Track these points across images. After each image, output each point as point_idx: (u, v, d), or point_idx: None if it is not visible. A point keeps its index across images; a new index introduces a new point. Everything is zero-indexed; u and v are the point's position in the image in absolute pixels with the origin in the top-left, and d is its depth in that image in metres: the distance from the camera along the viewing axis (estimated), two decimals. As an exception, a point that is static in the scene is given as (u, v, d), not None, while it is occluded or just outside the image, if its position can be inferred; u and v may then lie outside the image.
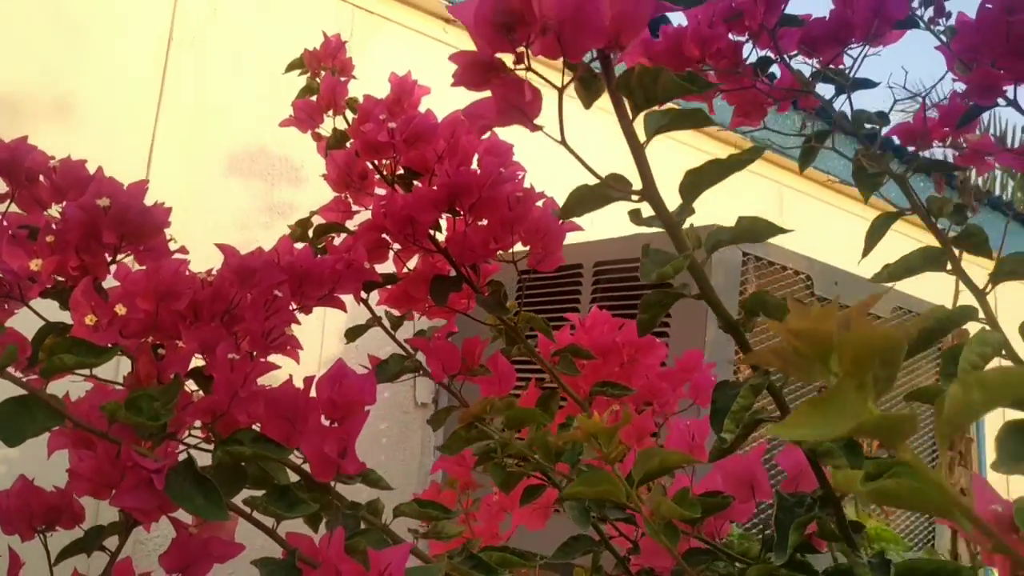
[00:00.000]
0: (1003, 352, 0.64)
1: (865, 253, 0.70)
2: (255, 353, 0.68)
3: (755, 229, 0.54)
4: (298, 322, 0.72)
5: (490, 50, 0.47)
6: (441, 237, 0.90)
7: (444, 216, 0.89)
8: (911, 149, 0.74)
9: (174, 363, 0.66)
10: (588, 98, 0.54)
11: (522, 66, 0.48)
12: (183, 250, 0.74)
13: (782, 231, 0.54)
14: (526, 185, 0.90)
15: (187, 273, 0.70)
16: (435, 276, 0.92)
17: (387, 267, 0.93)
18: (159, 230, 0.66)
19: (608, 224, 1.14)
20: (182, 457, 0.61)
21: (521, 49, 0.48)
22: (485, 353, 0.89)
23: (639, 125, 0.52)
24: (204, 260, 0.80)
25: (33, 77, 1.30)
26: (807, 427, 0.28)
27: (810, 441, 0.30)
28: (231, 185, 1.46)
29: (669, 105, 0.54)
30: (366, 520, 0.72)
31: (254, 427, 0.64)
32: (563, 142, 0.51)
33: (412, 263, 0.95)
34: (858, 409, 0.29)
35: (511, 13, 0.45)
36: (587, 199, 0.55)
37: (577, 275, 1.43)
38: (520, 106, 0.52)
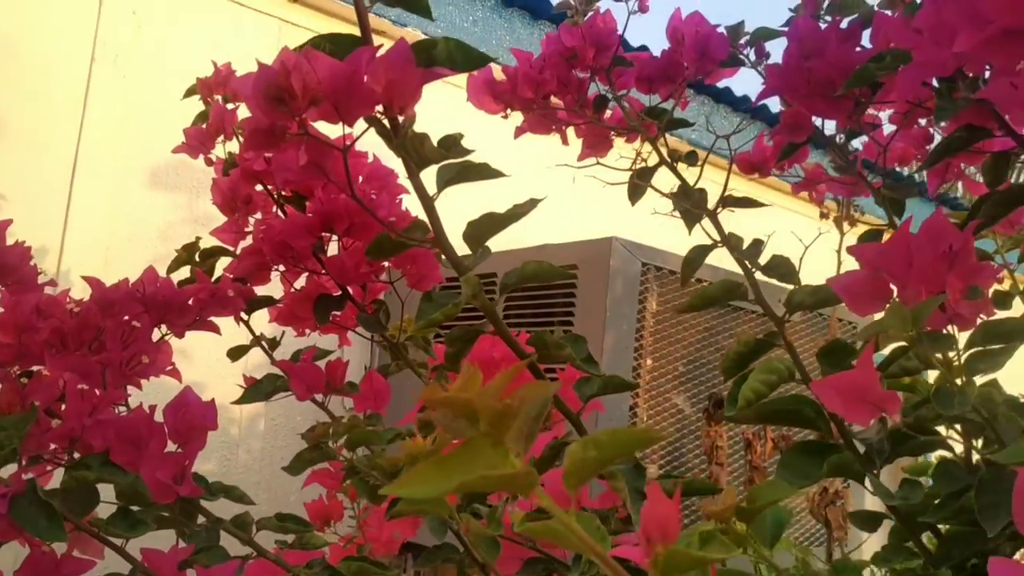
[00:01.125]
0: (796, 376, 0.70)
1: (684, 281, 0.75)
2: (108, 384, 0.72)
3: (539, 273, 0.59)
4: (156, 351, 0.76)
5: (268, 120, 0.52)
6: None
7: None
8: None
9: (36, 391, 0.71)
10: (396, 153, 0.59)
11: (302, 131, 0.53)
12: (52, 283, 0.79)
13: (561, 275, 0.59)
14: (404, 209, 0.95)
15: (65, 302, 0.75)
16: (319, 295, 0.97)
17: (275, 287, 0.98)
18: (16, 269, 0.71)
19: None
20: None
21: (298, 118, 0.52)
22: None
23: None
24: (128, 270, 0.84)
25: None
26: (423, 485, 0.33)
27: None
28: (155, 198, 1.50)
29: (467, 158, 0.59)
30: (232, 533, 0.77)
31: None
32: (353, 196, 0.56)
33: (300, 283, 1.00)
34: (494, 463, 0.34)
35: (280, 89, 0.50)
36: (387, 246, 0.60)
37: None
38: (318, 162, 0.57)
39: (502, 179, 0.57)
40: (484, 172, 0.57)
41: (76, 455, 0.70)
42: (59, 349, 0.74)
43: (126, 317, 0.74)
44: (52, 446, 0.70)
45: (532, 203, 0.57)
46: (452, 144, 0.54)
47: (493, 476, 0.34)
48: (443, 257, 0.71)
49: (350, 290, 0.98)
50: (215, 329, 0.87)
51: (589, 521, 0.41)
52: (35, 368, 0.76)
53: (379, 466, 0.73)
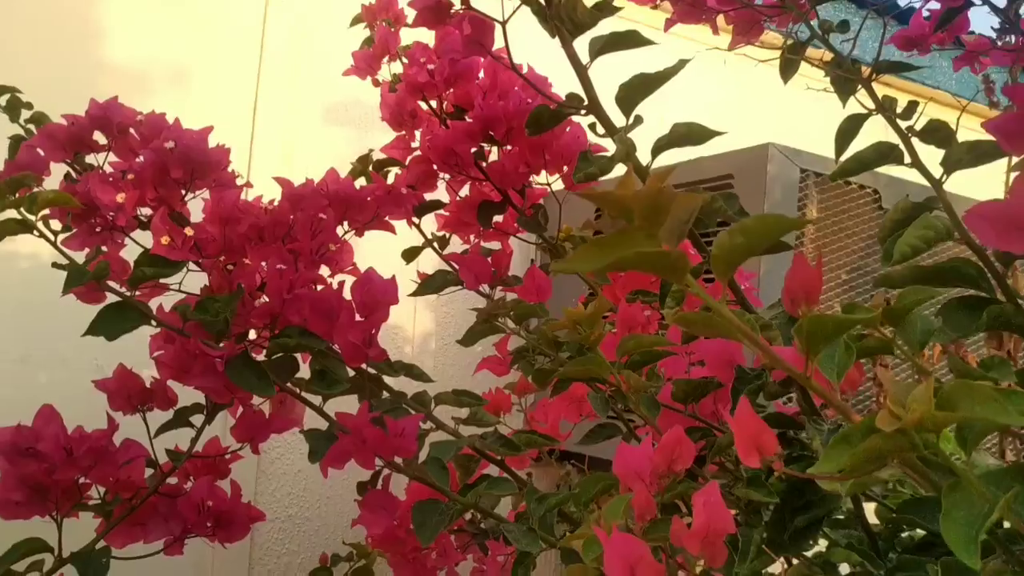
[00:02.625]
0: (955, 236, 0.70)
1: (838, 154, 0.76)
2: (302, 266, 0.81)
3: (690, 134, 0.62)
4: (340, 244, 0.83)
5: (435, -4, 0.57)
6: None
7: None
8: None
9: (240, 277, 0.80)
10: (548, 30, 0.64)
11: (464, 6, 0.58)
12: (248, 184, 0.88)
13: (716, 134, 0.62)
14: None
15: (256, 202, 0.84)
16: (482, 202, 1.03)
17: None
18: (219, 166, 0.80)
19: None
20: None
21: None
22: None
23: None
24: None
25: (150, 51, 1.47)
26: (584, 261, 0.38)
27: (593, 270, 0.38)
28: (329, 133, 1.61)
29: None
30: (412, 407, 0.85)
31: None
32: (512, 67, 0.60)
33: (464, 191, 1.06)
34: (640, 244, 0.38)
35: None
36: (544, 117, 0.64)
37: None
38: (478, 39, 0.61)
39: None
40: (633, 40, 0.61)
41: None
42: (257, 242, 0.83)
43: (313, 211, 0.82)
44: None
45: (682, 63, 0.59)
46: (604, 6, 0.57)
47: (648, 253, 0.38)
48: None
49: (510, 195, 1.04)
50: (391, 229, 0.94)
51: (741, 314, 0.44)
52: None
53: (543, 334, 0.78)
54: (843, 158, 0.73)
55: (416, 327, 1.60)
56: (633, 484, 0.55)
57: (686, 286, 0.40)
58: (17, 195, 0.73)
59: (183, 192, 0.80)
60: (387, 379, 0.84)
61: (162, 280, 0.81)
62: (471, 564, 1.35)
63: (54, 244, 0.75)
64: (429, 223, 1.06)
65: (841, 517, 0.79)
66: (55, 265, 0.75)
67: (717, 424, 0.82)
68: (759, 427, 0.39)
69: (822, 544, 0.74)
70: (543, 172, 1.02)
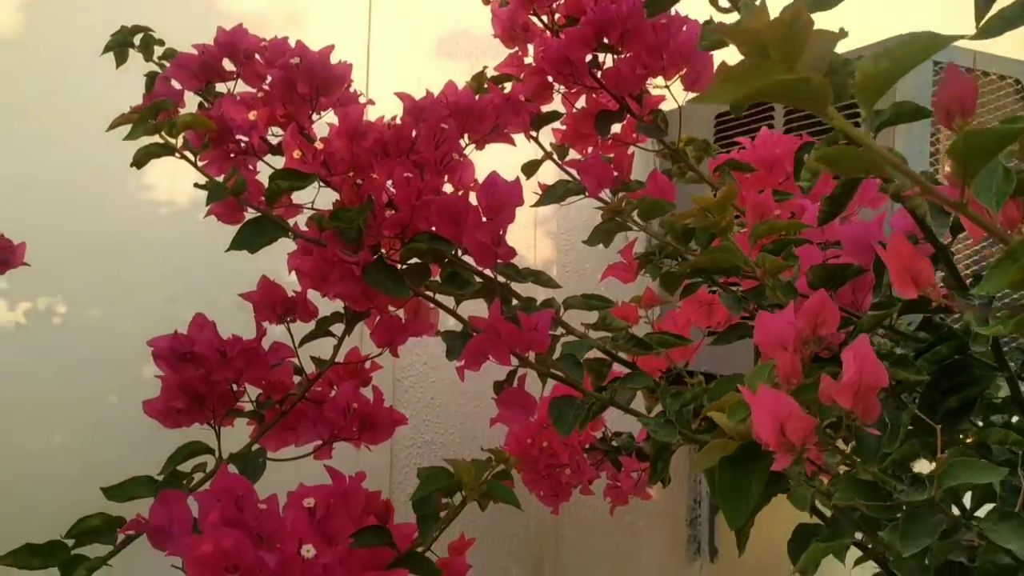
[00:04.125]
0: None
1: (978, 19, 0.71)
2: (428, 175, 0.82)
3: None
4: (462, 156, 0.84)
5: None
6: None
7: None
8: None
9: (369, 189, 0.82)
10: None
11: None
12: (370, 102, 0.89)
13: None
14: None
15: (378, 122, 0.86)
16: (599, 111, 1.02)
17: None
18: (342, 81, 0.81)
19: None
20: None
21: None
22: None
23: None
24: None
25: (267, -3, 1.51)
26: (722, 92, 0.37)
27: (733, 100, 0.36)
28: (440, 67, 1.62)
29: None
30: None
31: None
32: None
33: (581, 103, 1.05)
34: (776, 73, 0.36)
35: None
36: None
37: (768, 110, 1.46)
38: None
39: None
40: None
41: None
42: (382, 157, 0.85)
43: (435, 121, 0.83)
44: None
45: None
46: None
47: (788, 81, 0.37)
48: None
49: (628, 103, 1.02)
50: (510, 140, 0.94)
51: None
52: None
53: (671, 225, 0.77)
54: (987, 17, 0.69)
55: (538, 243, 1.60)
56: (776, 352, 0.54)
57: (828, 117, 0.38)
58: (157, 119, 0.77)
59: (310, 111, 0.82)
60: (515, 287, 0.85)
61: (295, 201, 0.85)
62: (604, 481, 1.37)
63: (194, 164, 0.79)
64: (546, 137, 1.06)
65: (997, 401, 0.76)
66: (196, 185, 0.79)
67: (856, 313, 0.80)
68: (913, 256, 0.37)
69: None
70: (660, 76, 1.00)
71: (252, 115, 0.77)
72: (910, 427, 0.67)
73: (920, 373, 0.65)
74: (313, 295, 0.84)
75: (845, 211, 0.67)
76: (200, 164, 0.80)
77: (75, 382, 1.31)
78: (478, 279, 0.80)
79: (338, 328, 0.84)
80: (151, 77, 0.91)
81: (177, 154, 0.77)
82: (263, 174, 0.84)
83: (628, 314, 1.11)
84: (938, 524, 0.52)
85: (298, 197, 0.83)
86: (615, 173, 0.92)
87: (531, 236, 1.63)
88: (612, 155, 0.99)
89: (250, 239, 0.76)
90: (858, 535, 0.90)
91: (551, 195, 0.95)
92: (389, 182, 0.82)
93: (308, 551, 0.53)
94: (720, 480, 0.54)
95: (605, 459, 1.33)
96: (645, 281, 1.05)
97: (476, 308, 0.82)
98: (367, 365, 0.86)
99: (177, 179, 1.38)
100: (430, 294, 0.78)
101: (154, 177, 1.40)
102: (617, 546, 1.62)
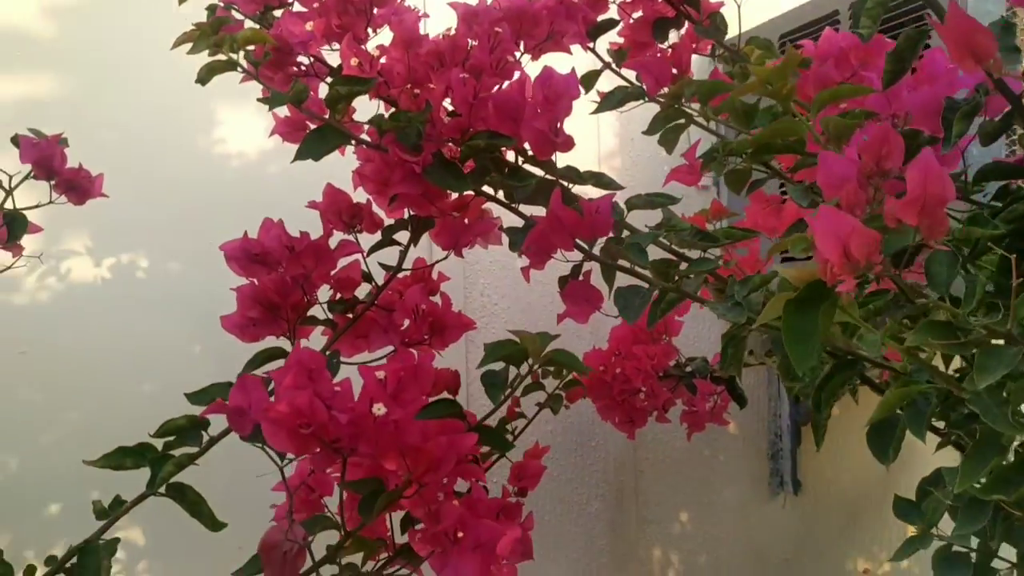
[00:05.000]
0: None
1: None
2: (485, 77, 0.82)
3: None
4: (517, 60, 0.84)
5: None
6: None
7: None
8: None
9: (428, 96, 0.83)
10: None
11: None
12: (425, 15, 0.90)
13: None
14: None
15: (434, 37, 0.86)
16: (656, 18, 1.01)
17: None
18: (392, -8, 0.82)
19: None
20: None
21: None
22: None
23: None
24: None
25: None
26: None
27: None
28: None
29: None
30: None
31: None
32: None
33: (638, 14, 1.04)
34: None
35: None
36: None
37: (835, 22, 1.42)
38: None
39: None
40: None
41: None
42: (438, 67, 0.85)
43: (489, 25, 0.83)
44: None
45: None
46: None
47: None
48: None
49: (685, 8, 1.01)
50: (566, 49, 0.94)
51: None
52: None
53: (731, 105, 0.75)
54: None
55: (601, 149, 1.58)
56: (839, 191, 0.52)
57: None
58: (218, 35, 0.79)
59: (366, 22, 0.83)
60: (576, 191, 0.85)
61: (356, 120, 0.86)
62: (681, 411, 1.36)
63: (256, 78, 0.80)
64: (602, 45, 1.05)
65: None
66: (260, 100, 0.81)
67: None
68: (972, 26, 0.36)
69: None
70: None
71: (308, 26, 0.79)
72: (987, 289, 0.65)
73: (996, 227, 0.63)
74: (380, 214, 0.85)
75: (909, 67, 0.65)
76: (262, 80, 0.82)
77: (160, 331, 1.36)
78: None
79: (404, 238, 0.85)
80: (211, 9, 0.93)
81: (239, 68, 0.79)
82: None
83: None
84: (1015, 355, 0.50)
85: (358, 118, 0.85)
86: (674, 70, 0.91)
87: (594, 148, 1.60)
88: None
89: (314, 147, 0.77)
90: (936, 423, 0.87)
91: (610, 101, 0.94)
92: (446, 100, 0.82)
93: (379, 409, 0.54)
94: (786, 326, 0.53)
95: (680, 385, 1.32)
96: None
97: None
98: (435, 275, 0.87)
99: (246, 133, 1.42)
100: (490, 191, 0.79)
101: (225, 130, 1.44)
102: (698, 481, 1.61)
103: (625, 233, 0.85)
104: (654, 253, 0.84)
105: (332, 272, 0.78)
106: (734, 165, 0.92)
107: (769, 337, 0.99)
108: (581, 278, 0.79)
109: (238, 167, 1.45)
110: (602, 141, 1.59)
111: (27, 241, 1.34)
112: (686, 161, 0.95)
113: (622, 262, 0.77)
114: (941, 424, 0.86)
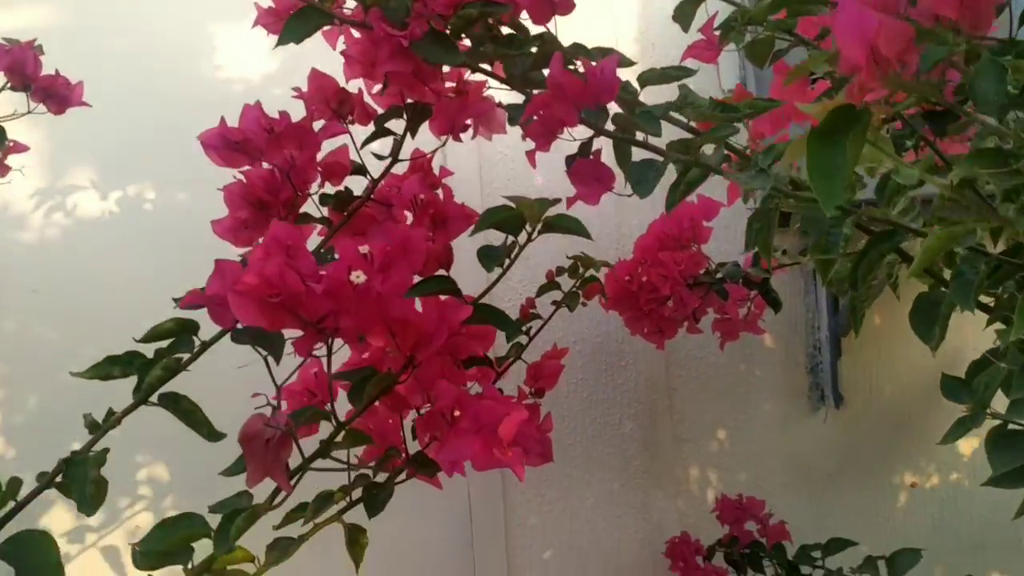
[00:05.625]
0: None
1: None
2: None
3: None
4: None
5: None
6: None
7: None
8: None
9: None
10: None
11: None
12: None
13: None
14: None
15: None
16: None
17: None
18: None
19: None
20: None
21: None
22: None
23: None
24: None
25: None
26: None
27: None
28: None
29: None
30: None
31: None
32: None
33: None
34: None
35: None
36: None
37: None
38: None
39: None
40: None
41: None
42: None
43: None
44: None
45: None
46: None
47: None
48: None
49: None
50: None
51: None
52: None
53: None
54: None
55: (618, 33, 1.50)
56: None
57: None
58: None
59: None
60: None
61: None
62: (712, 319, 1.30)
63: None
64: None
65: None
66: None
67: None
68: None
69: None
70: None
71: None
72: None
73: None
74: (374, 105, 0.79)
75: None
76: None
77: (170, 263, 1.33)
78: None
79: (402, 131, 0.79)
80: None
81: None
82: None
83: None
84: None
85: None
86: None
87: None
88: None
89: (295, 29, 0.72)
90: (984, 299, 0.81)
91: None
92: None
93: (358, 276, 0.49)
94: (810, 161, 0.47)
95: (710, 292, 1.26)
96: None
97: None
98: (436, 170, 0.82)
99: (249, 57, 1.36)
100: (487, 68, 0.73)
101: (226, 55, 1.38)
102: (735, 398, 1.55)
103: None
104: (671, 134, 0.78)
105: (318, 157, 0.73)
106: (755, 36, 0.85)
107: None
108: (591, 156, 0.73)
109: (241, 92, 1.40)
110: (619, 29, 1.50)
111: (29, 175, 1.31)
112: (702, 35, 0.87)
113: (636, 138, 0.70)
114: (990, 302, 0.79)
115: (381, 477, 0.74)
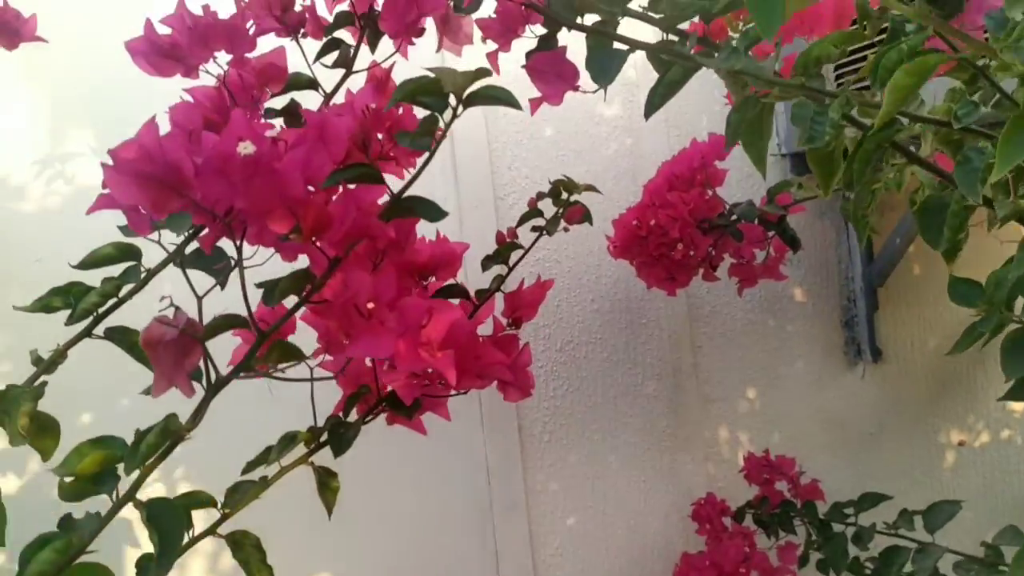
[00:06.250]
0: None
1: None
2: None
3: None
4: None
5: None
6: None
7: None
8: None
9: None
10: None
11: None
12: None
13: None
14: None
15: None
16: None
17: None
18: None
19: None
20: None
21: None
22: None
23: None
24: None
25: None
26: None
27: None
28: None
29: None
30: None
31: None
32: None
33: None
34: None
35: None
36: None
37: None
38: None
39: None
40: None
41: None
42: None
43: None
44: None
45: None
46: None
47: None
48: None
49: None
50: None
51: None
52: None
53: None
54: None
55: None
56: None
57: None
58: None
59: None
60: None
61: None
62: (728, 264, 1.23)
63: None
64: None
65: None
66: None
67: None
68: None
69: None
70: None
71: None
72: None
73: None
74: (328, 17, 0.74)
75: None
76: None
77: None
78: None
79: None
80: None
81: None
82: None
83: (717, 30, 0.96)
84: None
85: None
86: None
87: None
88: None
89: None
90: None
91: None
92: None
93: (246, 147, 0.44)
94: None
95: (725, 236, 1.19)
96: None
97: None
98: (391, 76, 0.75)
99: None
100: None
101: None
102: (765, 355, 1.47)
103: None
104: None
105: (252, 56, 0.67)
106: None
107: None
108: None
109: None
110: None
111: (30, 145, 1.29)
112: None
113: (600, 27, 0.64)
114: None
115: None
